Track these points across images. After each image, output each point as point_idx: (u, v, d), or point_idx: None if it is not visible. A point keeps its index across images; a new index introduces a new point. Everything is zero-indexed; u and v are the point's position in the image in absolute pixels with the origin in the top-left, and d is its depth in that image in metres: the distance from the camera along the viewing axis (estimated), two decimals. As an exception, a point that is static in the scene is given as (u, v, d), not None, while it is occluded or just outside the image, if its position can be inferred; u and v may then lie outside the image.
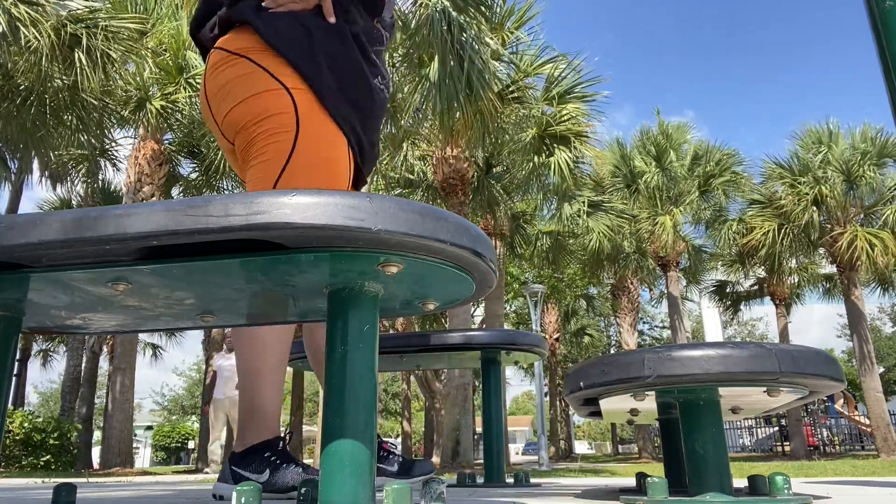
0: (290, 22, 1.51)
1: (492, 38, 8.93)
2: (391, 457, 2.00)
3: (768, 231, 14.53)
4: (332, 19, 1.54)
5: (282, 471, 1.55)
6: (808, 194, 14.14)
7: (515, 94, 9.53)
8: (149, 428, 36.41)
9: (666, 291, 16.74)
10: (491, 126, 9.02)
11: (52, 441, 10.47)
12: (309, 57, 1.49)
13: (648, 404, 1.56)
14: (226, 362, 8.81)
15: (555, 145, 9.97)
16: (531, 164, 10.44)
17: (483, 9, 8.41)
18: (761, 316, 45.39)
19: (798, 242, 15.07)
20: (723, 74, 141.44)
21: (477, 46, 8.09)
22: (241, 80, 1.48)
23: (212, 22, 1.63)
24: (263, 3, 1.54)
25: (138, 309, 0.98)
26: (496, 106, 8.58)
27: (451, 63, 7.84)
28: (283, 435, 1.64)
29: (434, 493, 1.00)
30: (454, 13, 7.88)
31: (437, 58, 7.90)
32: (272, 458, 1.57)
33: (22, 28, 7.13)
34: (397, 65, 9.53)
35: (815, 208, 14.38)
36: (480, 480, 2.61)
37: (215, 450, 9.14)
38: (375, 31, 1.67)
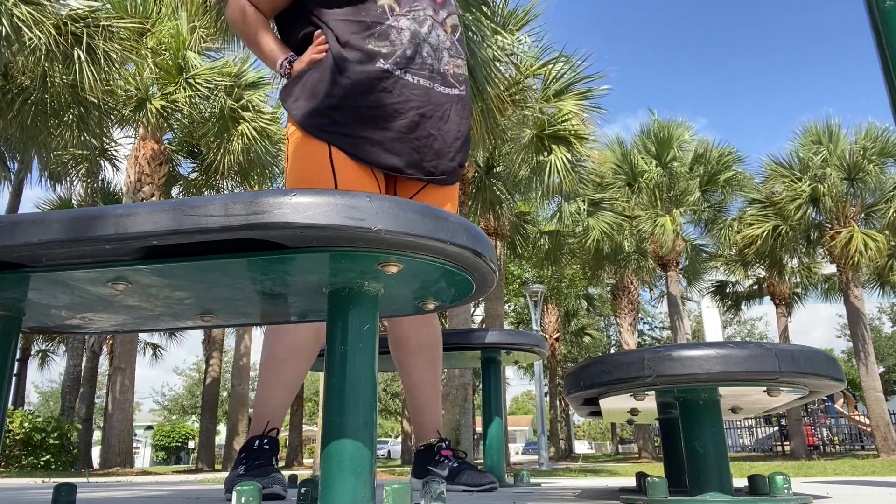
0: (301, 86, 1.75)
1: (495, 37, 8.91)
2: (444, 461, 2.02)
3: (765, 229, 14.52)
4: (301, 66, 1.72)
5: (237, 469, 1.65)
6: (804, 191, 14.12)
7: (516, 96, 9.51)
8: (149, 428, 36.43)
9: (666, 291, 16.73)
10: (494, 125, 8.99)
11: (52, 441, 10.47)
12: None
13: (648, 404, 1.56)
14: None
15: (553, 145, 9.94)
16: (531, 165, 10.42)
17: (484, 8, 8.39)
18: (761, 316, 45.44)
19: (796, 242, 15.04)
20: (737, 82, 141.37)
21: (482, 44, 8.07)
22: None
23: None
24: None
25: (138, 309, 0.98)
26: (501, 104, 8.55)
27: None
28: (261, 434, 1.71)
29: (434, 492, 1.00)
30: (459, 10, 7.85)
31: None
32: (241, 456, 1.69)
33: (24, 28, 7.11)
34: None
35: (812, 206, 14.35)
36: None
37: None
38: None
